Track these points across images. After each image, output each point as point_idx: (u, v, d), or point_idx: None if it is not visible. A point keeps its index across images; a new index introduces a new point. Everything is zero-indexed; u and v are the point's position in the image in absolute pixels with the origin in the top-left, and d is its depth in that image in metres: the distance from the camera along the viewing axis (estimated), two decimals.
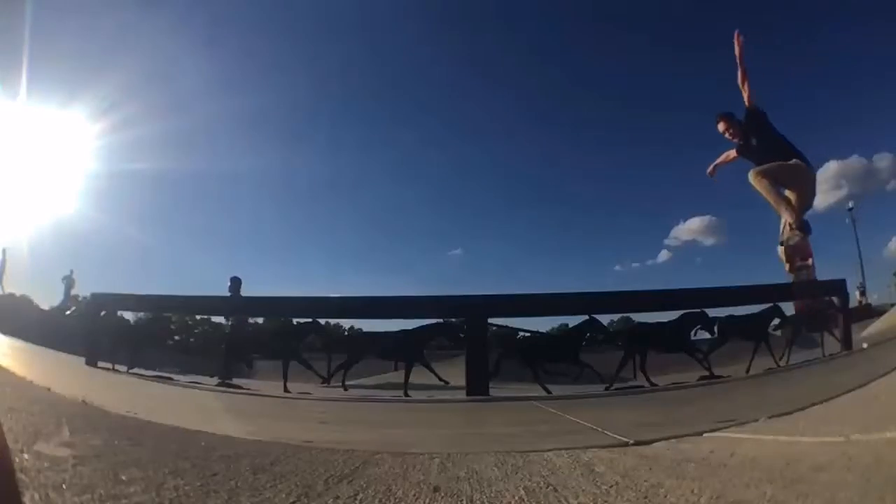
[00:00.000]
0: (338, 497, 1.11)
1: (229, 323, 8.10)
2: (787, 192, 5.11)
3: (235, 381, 6.28)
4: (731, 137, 5.32)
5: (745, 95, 5.16)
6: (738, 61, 5.08)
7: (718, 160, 5.79)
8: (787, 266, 5.35)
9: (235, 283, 8.35)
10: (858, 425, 1.55)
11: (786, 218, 5.05)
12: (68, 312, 13.93)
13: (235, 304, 7.45)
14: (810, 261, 5.34)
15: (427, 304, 6.15)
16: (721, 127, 5.33)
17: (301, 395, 5.37)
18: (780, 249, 5.33)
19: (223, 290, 7.68)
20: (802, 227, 4.97)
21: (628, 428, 2.04)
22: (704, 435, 1.76)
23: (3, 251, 13.88)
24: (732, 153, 5.62)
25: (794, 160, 5.04)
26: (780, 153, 5.09)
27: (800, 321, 6.69)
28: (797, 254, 5.19)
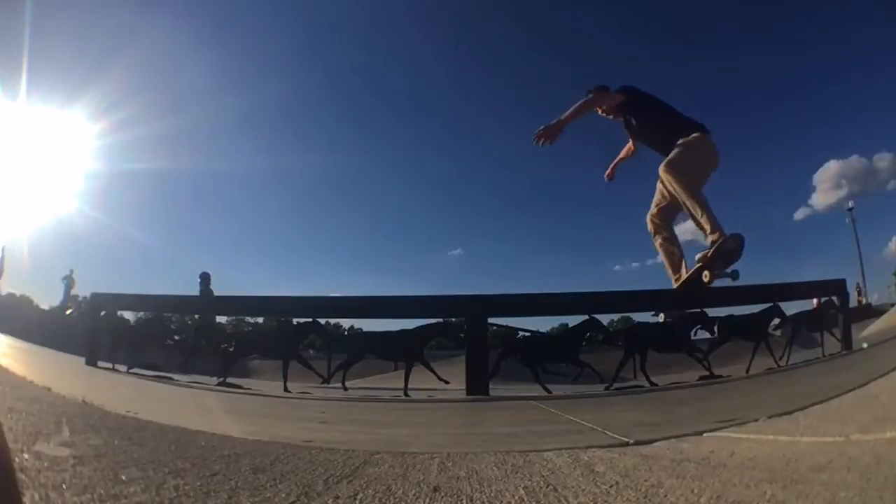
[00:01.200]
0: (338, 497, 1.11)
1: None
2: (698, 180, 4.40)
3: (235, 380, 6.29)
4: (604, 114, 4.69)
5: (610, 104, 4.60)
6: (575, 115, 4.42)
7: (617, 158, 5.18)
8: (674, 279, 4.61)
9: (205, 278, 8.40)
10: (858, 425, 1.55)
11: (703, 227, 4.22)
12: (68, 312, 13.93)
13: (238, 304, 7.45)
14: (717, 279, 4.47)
15: (427, 303, 6.14)
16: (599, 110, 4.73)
17: (301, 395, 5.37)
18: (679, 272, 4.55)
19: (223, 290, 7.69)
20: (720, 236, 4.14)
21: (628, 428, 2.04)
22: (704, 435, 1.76)
23: (2, 249, 13.89)
24: (631, 146, 5.02)
25: (693, 134, 4.34)
26: (671, 127, 4.41)
27: (800, 321, 6.70)
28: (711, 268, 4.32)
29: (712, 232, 4.07)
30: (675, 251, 4.70)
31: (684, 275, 4.52)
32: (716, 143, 4.45)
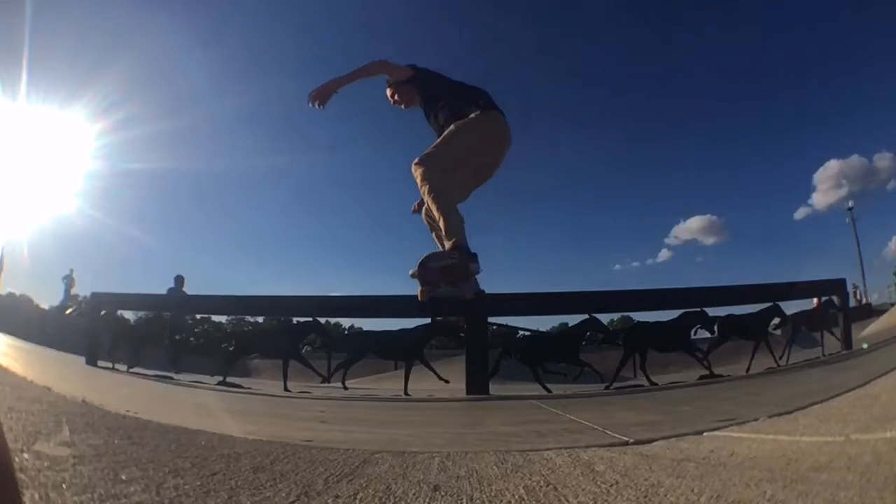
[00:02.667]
0: (338, 496, 1.11)
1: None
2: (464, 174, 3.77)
3: (235, 380, 6.29)
4: (395, 99, 3.99)
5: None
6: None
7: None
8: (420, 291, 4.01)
9: (179, 280, 8.45)
10: (858, 425, 1.55)
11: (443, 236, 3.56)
12: (68, 312, 13.94)
13: (239, 303, 7.45)
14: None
15: (427, 302, 6.14)
16: (388, 92, 4.05)
17: (301, 395, 5.38)
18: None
19: (224, 290, 7.72)
20: (464, 248, 3.46)
21: (628, 427, 2.04)
22: (704, 434, 1.76)
23: (2, 249, 13.90)
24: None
25: (471, 114, 3.67)
26: (451, 106, 3.75)
27: (800, 321, 6.70)
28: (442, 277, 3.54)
29: (449, 243, 3.49)
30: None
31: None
32: (499, 121, 3.82)
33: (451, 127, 3.69)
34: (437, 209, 3.53)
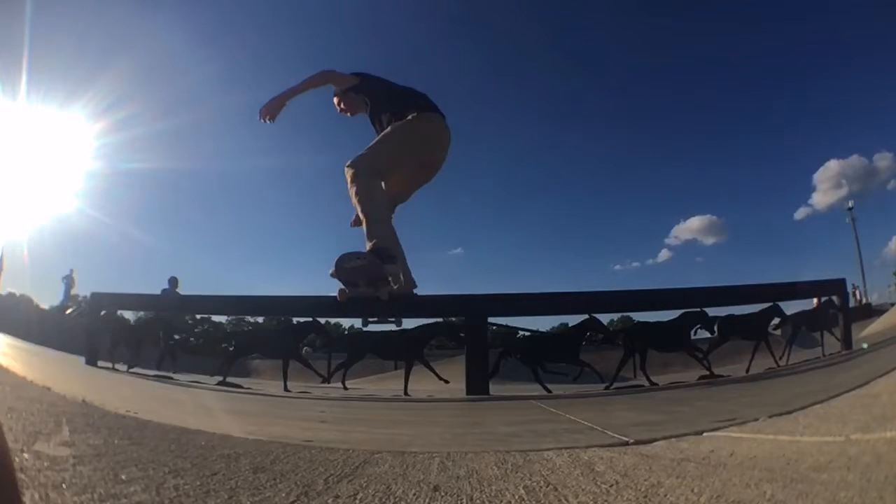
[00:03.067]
0: (338, 496, 1.11)
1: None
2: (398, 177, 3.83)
3: (235, 380, 6.30)
4: (342, 109, 4.05)
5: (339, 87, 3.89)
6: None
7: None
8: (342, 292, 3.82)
9: (172, 282, 8.48)
10: (859, 425, 1.55)
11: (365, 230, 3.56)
12: (68, 312, 13.95)
13: (239, 303, 7.45)
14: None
15: (427, 303, 6.14)
16: (335, 101, 4.07)
17: (301, 395, 5.38)
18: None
19: (224, 290, 7.74)
20: (382, 251, 3.47)
21: (628, 427, 2.04)
22: (704, 434, 1.76)
23: (2, 249, 13.90)
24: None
25: (408, 116, 3.68)
26: (392, 110, 3.76)
27: (800, 321, 6.70)
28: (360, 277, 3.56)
29: (369, 244, 3.54)
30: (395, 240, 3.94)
31: (402, 278, 3.96)
32: (435, 122, 3.81)
33: (387, 129, 3.72)
34: (361, 211, 3.54)
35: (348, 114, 4.09)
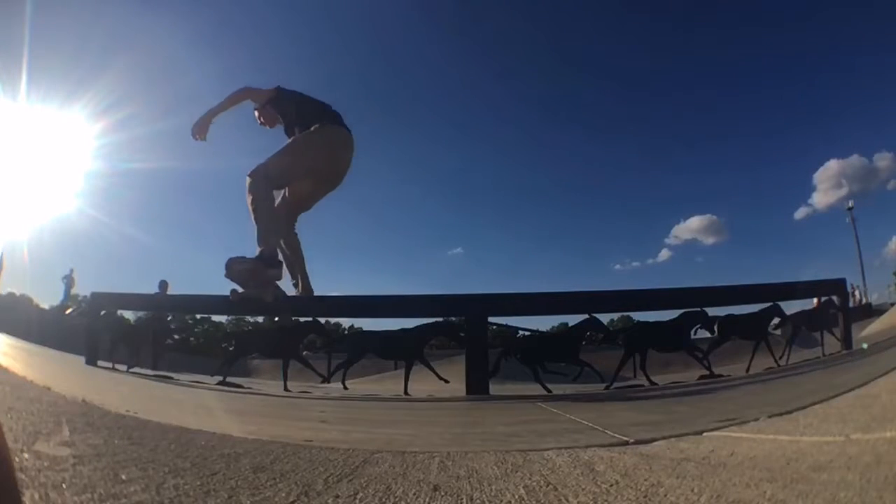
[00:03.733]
0: (338, 496, 1.11)
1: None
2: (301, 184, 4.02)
3: (235, 380, 6.29)
4: (262, 121, 4.31)
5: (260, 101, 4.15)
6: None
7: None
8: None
9: (163, 286, 8.53)
10: (858, 424, 1.55)
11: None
12: (68, 312, 13.96)
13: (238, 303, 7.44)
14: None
15: (427, 302, 6.14)
16: (256, 115, 4.31)
17: (301, 394, 5.38)
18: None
19: (224, 290, 7.74)
20: (267, 256, 3.76)
21: (628, 427, 2.04)
22: (704, 434, 1.76)
23: (1, 249, 13.90)
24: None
25: (312, 127, 3.92)
26: (300, 122, 3.99)
27: (800, 320, 6.70)
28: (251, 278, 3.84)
29: (258, 249, 3.80)
30: (289, 255, 4.32)
31: (300, 283, 4.28)
32: (337, 133, 4.04)
33: (290, 140, 3.98)
34: (254, 218, 3.75)
35: (268, 126, 4.35)
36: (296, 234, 4.28)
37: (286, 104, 4.14)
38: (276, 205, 3.96)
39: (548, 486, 1.18)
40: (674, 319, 5.97)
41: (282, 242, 4.19)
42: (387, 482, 1.22)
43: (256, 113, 4.28)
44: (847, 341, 6.19)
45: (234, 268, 3.80)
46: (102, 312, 7.18)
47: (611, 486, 1.15)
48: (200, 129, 3.98)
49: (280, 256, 4.11)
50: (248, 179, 3.78)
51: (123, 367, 6.66)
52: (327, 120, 4.00)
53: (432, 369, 6.06)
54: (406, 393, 5.57)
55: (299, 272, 4.35)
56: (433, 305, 6.12)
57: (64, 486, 1.01)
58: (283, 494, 1.10)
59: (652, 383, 5.47)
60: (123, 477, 1.12)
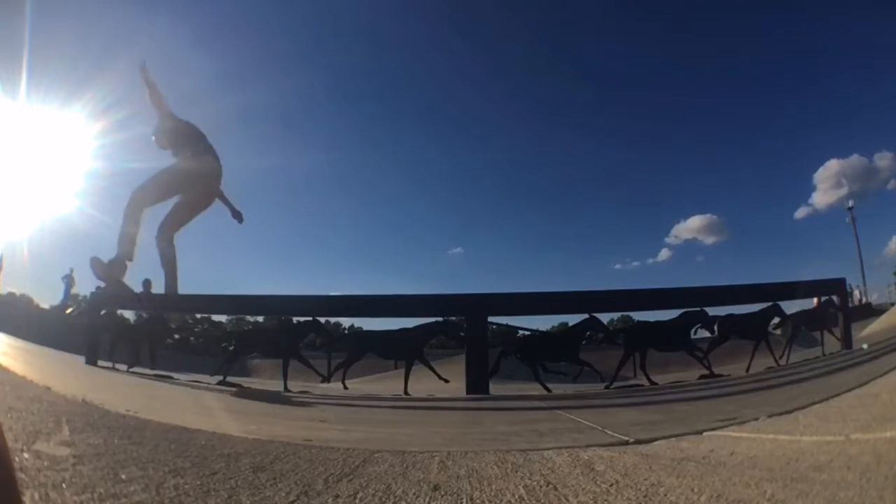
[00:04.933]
0: (338, 496, 1.11)
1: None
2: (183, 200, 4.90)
3: (235, 379, 6.29)
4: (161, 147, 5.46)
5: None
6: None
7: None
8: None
9: (146, 284, 8.53)
10: (858, 424, 1.55)
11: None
12: (68, 311, 13.93)
13: (240, 303, 7.45)
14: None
15: (427, 302, 6.14)
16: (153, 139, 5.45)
17: (301, 394, 5.38)
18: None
19: (224, 290, 7.72)
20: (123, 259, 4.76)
21: (628, 427, 2.04)
22: (704, 434, 1.76)
23: (1, 249, 13.87)
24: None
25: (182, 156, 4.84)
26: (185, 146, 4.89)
27: (800, 320, 6.69)
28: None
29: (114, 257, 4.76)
30: (171, 261, 5.51)
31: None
32: (201, 160, 5.07)
33: (163, 168, 5.00)
34: (122, 224, 4.85)
35: (166, 149, 5.46)
36: (173, 244, 5.73)
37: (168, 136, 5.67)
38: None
39: (548, 485, 1.18)
40: (674, 319, 5.97)
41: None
42: (387, 482, 1.22)
43: (154, 139, 5.50)
44: (847, 341, 6.19)
45: (98, 270, 5.13)
46: (102, 312, 7.18)
47: (611, 485, 1.15)
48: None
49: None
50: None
51: (124, 367, 6.66)
52: (196, 147, 5.20)
53: (432, 369, 6.05)
54: (406, 393, 5.57)
55: (169, 271, 5.68)
56: (433, 305, 6.12)
57: (64, 486, 1.01)
58: (283, 494, 1.10)
59: (652, 383, 5.47)
60: (123, 476, 1.12)
